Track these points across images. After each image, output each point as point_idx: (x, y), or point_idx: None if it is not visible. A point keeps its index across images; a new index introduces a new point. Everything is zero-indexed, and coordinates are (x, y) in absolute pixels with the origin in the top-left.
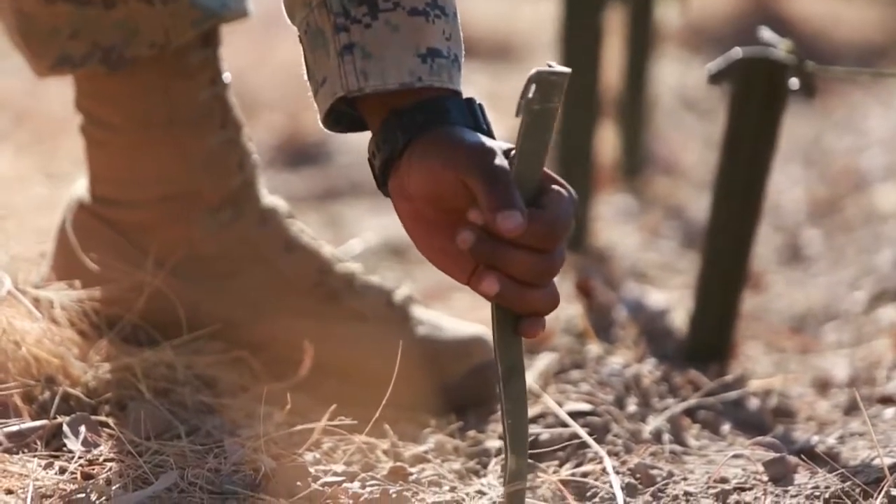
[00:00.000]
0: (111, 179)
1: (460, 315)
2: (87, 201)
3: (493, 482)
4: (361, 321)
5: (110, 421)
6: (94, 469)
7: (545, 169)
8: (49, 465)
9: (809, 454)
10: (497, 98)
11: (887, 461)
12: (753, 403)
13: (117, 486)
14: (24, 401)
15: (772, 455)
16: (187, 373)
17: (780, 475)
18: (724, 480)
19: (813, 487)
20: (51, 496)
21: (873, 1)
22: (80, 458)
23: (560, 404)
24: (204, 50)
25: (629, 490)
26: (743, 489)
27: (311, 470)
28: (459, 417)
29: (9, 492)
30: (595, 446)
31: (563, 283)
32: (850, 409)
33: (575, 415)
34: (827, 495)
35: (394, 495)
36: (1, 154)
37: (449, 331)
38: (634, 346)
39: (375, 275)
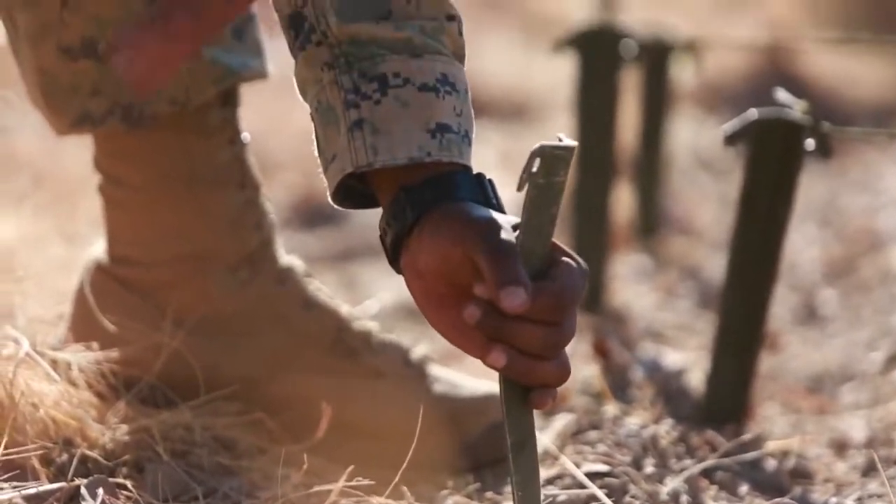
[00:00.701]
0: (129, 239)
1: (475, 375)
2: (105, 262)
3: None
4: (379, 378)
5: (128, 483)
6: None
7: (554, 241)
8: None
9: None
10: (511, 158)
11: None
12: (771, 464)
13: None
14: (41, 463)
15: None
16: (205, 434)
17: None
18: None
19: None
20: None
21: (887, 60)
22: None
23: (577, 465)
24: (223, 109)
25: None
26: None
27: None
28: (477, 478)
29: None
30: None
31: (580, 344)
32: (868, 471)
33: (592, 476)
34: None
35: None
36: (20, 214)
37: (465, 388)
38: (651, 407)
39: (392, 334)
